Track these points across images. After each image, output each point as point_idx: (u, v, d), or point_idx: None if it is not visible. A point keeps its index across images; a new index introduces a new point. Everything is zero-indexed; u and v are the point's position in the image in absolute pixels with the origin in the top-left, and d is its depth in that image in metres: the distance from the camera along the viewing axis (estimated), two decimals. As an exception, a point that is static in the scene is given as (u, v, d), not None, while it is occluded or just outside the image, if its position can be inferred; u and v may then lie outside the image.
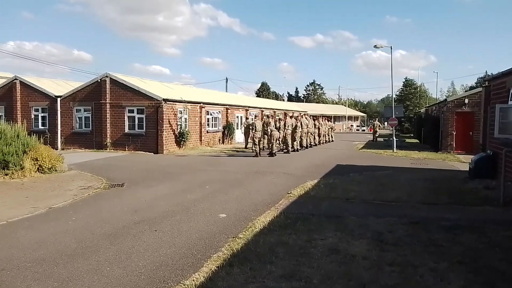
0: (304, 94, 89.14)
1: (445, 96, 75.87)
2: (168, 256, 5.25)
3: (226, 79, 56.54)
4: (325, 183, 10.76)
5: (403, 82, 58.20)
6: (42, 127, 22.68)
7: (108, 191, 9.99)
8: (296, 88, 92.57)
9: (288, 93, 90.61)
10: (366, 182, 10.99)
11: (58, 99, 21.96)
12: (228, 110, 26.93)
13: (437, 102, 38.36)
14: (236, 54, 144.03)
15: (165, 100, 19.66)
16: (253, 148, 18.43)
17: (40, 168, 12.65)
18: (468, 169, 12.47)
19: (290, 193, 9.53)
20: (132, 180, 11.49)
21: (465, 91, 57.52)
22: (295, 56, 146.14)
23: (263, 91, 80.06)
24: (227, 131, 26.45)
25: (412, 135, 42.79)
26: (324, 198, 8.92)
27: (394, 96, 27.92)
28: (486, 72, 60.47)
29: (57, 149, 21.56)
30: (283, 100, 78.49)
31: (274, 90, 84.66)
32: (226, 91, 53.98)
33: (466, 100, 21.39)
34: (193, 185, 10.57)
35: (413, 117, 48.11)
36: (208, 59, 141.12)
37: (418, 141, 31.89)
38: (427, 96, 65.38)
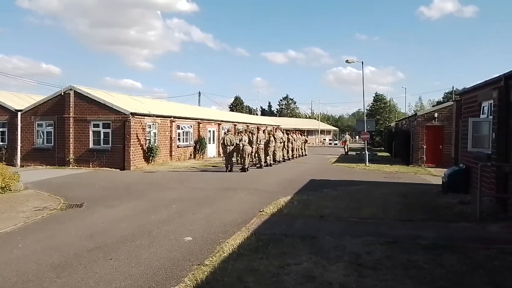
0: (277, 109, 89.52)
1: (413, 110, 77.96)
2: (123, 290, 4.62)
3: (199, 93, 55.91)
4: (299, 200, 10.34)
5: (373, 97, 59.38)
6: (1, 143, 21.33)
7: (64, 213, 9.18)
8: (269, 103, 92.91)
9: (262, 107, 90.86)
10: (340, 198, 10.64)
11: (19, 113, 20.75)
12: (200, 124, 26.31)
13: (406, 116, 39.10)
14: (209, 68, 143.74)
15: (133, 114, 18.89)
16: (225, 164, 17.90)
17: (-8, 187, 11.63)
18: (441, 183, 12.39)
19: (262, 211, 9.03)
20: (93, 200, 10.68)
21: (433, 106, 59.12)
22: (268, 71, 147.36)
23: (237, 105, 79.78)
24: (199, 145, 25.78)
25: (383, 148, 43.34)
26: (297, 216, 8.46)
27: (365, 110, 28.06)
28: (453, 87, 62.50)
29: (15, 166, 20.32)
30: (257, 114, 78.53)
31: (247, 104, 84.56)
32: (199, 105, 53.31)
33: (436, 114, 21.70)
34: (158, 204, 9.89)
35: (383, 131, 48.86)
36: (181, 74, 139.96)
37: (389, 154, 32.20)
38: (396, 110, 66.97)
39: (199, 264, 5.45)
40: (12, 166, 20.20)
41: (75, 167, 19.34)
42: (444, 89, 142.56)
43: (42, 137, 20.72)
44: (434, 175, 17.23)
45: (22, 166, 20.39)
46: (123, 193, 11.66)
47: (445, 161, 21.12)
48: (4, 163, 19.98)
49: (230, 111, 68.95)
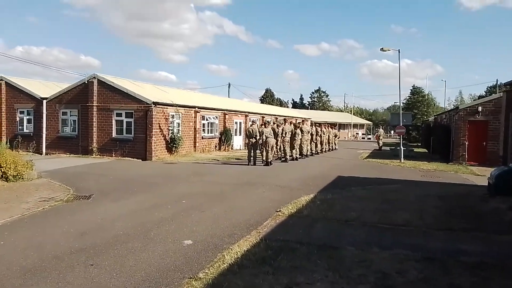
0: (309, 101, 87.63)
1: (453, 105, 74.07)
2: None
3: (229, 84, 55.23)
4: (322, 199, 9.27)
5: (411, 90, 56.48)
6: (27, 131, 21.43)
7: (67, 205, 8.58)
8: (301, 95, 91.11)
9: (293, 100, 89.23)
10: (369, 199, 9.48)
11: (44, 101, 20.70)
12: (226, 116, 25.53)
13: (445, 110, 36.73)
14: (241, 61, 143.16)
15: (155, 104, 18.30)
16: (247, 156, 17.02)
17: (4, 175, 11.29)
18: (487, 184, 10.94)
19: (279, 211, 8.06)
20: (103, 191, 10.08)
21: (474, 100, 55.71)
22: (301, 64, 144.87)
23: (267, 98, 78.74)
24: (224, 137, 25.02)
25: (420, 144, 41.09)
26: (318, 219, 7.43)
27: (401, 103, 26.32)
28: (497, 80, 58.67)
29: (41, 154, 20.33)
30: (287, 107, 77.15)
31: (279, 97, 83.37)
32: (229, 96, 52.73)
33: (480, 108, 19.80)
34: (168, 199, 9.11)
35: (420, 126, 46.40)
36: (214, 66, 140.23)
37: (426, 150, 30.25)
38: (434, 105, 63.60)
39: (191, 278, 4.56)
40: (38, 154, 20.29)
41: (98, 156, 19.06)
42: (485, 83, 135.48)
43: (66, 125, 20.60)
44: (478, 175, 15.58)
45: (47, 154, 20.38)
46: (135, 186, 11.00)
47: (490, 159, 19.29)
48: (30, 151, 20.18)
49: (260, 103, 68.01)
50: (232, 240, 6.05)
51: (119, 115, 19.04)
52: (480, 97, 61.94)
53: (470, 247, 5.91)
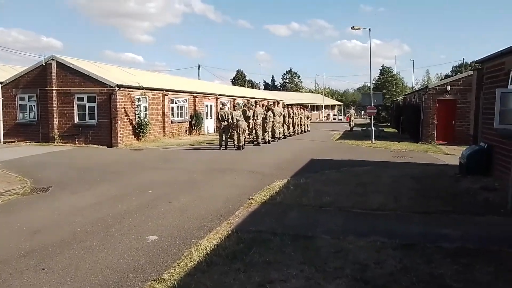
0: (281, 83, 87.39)
1: (420, 85, 75.57)
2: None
3: (199, 66, 54.02)
4: (296, 184, 8.97)
5: (380, 70, 57.04)
6: (-18, 118, 20.00)
7: (22, 199, 7.90)
8: (273, 77, 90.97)
9: (265, 81, 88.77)
10: (343, 182, 9.26)
11: (-1, 86, 19.31)
12: (196, 98, 24.79)
13: (414, 90, 37.27)
14: (211, 41, 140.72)
15: (119, 86, 17.39)
16: (219, 141, 16.54)
17: (-48, 167, 10.37)
18: (458, 164, 10.97)
19: (252, 198, 7.69)
20: (62, 183, 9.40)
21: (440, 80, 56.84)
22: (272, 45, 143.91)
23: (239, 79, 77.87)
24: (195, 121, 24.34)
25: (389, 124, 41.71)
26: (292, 206, 7.11)
27: (371, 82, 26.35)
28: (463, 59, 60.18)
29: (-1, 143, 19.09)
30: (259, 88, 76.62)
31: (250, 78, 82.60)
32: (199, 78, 51.49)
33: (449, 87, 20.03)
34: (132, 189, 8.56)
35: (390, 106, 47.06)
36: (183, 47, 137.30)
37: (396, 130, 30.64)
38: (402, 84, 64.62)
39: (154, 280, 4.13)
40: (-6, 143, 19.03)
41: (60, 143, 18.06)
42: (451, 62, 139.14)
43: (24, 111, 19.36)
44: (447, 154, 15.79)
45: (5, 142, 19.13)
46: (99, 175, 10.35)
47: (458, 138, 19.66)
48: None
49: (232, 85, 67.08)
50: (201, 234, 5.63)
51: (80, 99, 18.01)
52: (446, 76, 63.35)
53: (448, 231, 5.74)
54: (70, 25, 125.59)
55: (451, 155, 15.48)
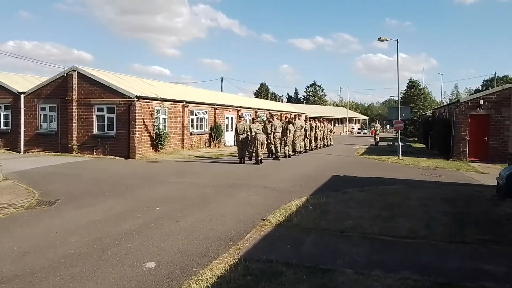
0: (304, 96, 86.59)
1: (449, 99, 73.23)
2: None
3: (222, 78, 53.91)
4: (315, 204, 8.24)
5: (407, 83, 55.44)
6: (5, 127, 20.22)
7: (25, 213, 7.51)
8: (296, 89, 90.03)
9: (288, 94, 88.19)
10: (368, 203, 8.46)
11: (22, 96, 19.45)
12: (217, 110, 24.43)
13: (442, 105, 35.83)
14: (236, 55, 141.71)
15: (138, 98, 17.16)
16: (238, 154, 15.98)
17: (-38, 178, 10.19)
18: (495, 185, 9.97)
19: (266, 219, 7.02)
20: (71, 195, 9.01)
21: (470, 94, 54.74)
22: (295, 58, 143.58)
23: (262, 92, 77.53)
24: (215, 133, 23.93)
25: (417, 139, 40.20)
26: (310, 230, 6.40)
27: (398, 95, 25.31)
28: (495, 73, 57.94)
29: (19, 152, 19.18)
30: (282, 101, 76.08)
31: (273, 91, 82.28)
32: (222, 91, 51.46)
33: (482, 101, 18.83)
34: (140, 205, 8.04)
35: (417, 120, 45.48)
36: (208, 60, 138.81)
37: (424, 146, 29.32)
38: (430, 99, 62.69)
39: (141, 321, 3.51)
40: (16, 152, 19.13)
41: (78, 154, 17.93)
42: (481, 76, 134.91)
43: (46, 121, 19.41)
44: (481, 172, 14.64)
45: (25, 152, 19.22)
46: (109, 188, 9.92)
47: (492, 155, 18.41)
48: (7, 149, 18.96)
49: (255, 98, 66.83)
50: (206, 261, 5.01)
51: (100, 110, 17.89)
52: (476, 91, 61.17)
53: (491, 267, 4.91)
54: (100, 38, 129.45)
55: (485, 173, 14.35)
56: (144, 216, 7.18)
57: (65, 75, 18.28)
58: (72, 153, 18.00)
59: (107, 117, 17.79)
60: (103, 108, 17.83)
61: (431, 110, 37.21)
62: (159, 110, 18.74)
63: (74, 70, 18.15)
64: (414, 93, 52.41)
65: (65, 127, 18.41)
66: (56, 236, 6.02)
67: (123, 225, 6.60)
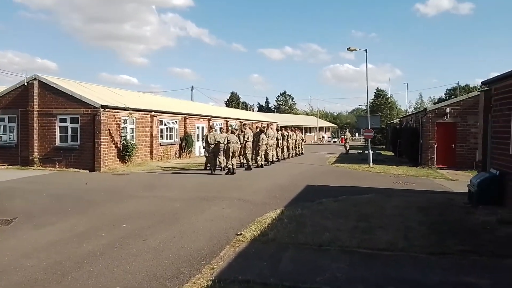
0: (275, 105, 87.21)
1: (414, 108, 75.61)
2: None
3: (192, 87, 53.15)
4: (290, 216, 7.98)
5: (374, 92, 57.06)
6: (-41, 140, 18.89)
7: (-25, 235, 6.81)
8: (267, 99, 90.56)
9: (259, 103, 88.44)
10: (344, 213, 8.28)
11: (-22, 106, 18.27)
12: (187, 120, 23.93)
13: (411, 113, 36.77)
14: (206, 64, 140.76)
15: (104, 107, 16.47)
16: (206, 164, 15.59)
17: None
18: (466, 191, 10.09)
19: (240, 234, 6.68)
20: (29, 214, 8.33)
21: (434, 103, 56.68)
22: (265, 68, 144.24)
23: (233, 101, 77.42)
24: (185, 143, 23.37)
25: (385, 147, 41.02)
26: (287, 245, 6.11)
27: (368, 104, 25.66)
28: (458, 82, 60.23)
29: (-25, 166, 17.92)
30: (253, 110, 76.16)
31: (244, 100, 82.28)
32: (192, 100, 50.74)
33: (448, 110, 19.36)
34: (105, 223, 7.51)
35: (385, 128, 46.54)
36: (178, 69, 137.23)
37: (393, 153, 29.86)
38: (396, 107, 64.54)
39: None
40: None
41: (40, 167, 16.96)
42: (444, 86, 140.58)
43: (5, 133, 18.30)
44: (450, 179, 14.92)
45: (-19, 166, 17.99)
46: (70, 204, 9.28)
47: (459, 162, 18.91)
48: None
49: (226, 107, 66.52)
50: (176, 284, 4.61)
51: (63, 120, 17.04)
52: (440, 99, 63.38)
53: (473, 279, 4.79)
54: (66, 47, 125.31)
55: (454, 180, 14.63)
56: (109, 235, 6.67)
57: (26, 84, 17.33)
58: (33, 166, 17.01)
59: (71, 127, 16.96)
60: (66, 118, 16.99)
61: (398, 119, 38.11)
62: (126, 120, 18.08)
63: (35, 78, 17.25)
64: (381, 102, 53.83)
65: (25, 139, 17.41)
66: (11, 260, 5.44)
67: (86, 245, 6.07)
